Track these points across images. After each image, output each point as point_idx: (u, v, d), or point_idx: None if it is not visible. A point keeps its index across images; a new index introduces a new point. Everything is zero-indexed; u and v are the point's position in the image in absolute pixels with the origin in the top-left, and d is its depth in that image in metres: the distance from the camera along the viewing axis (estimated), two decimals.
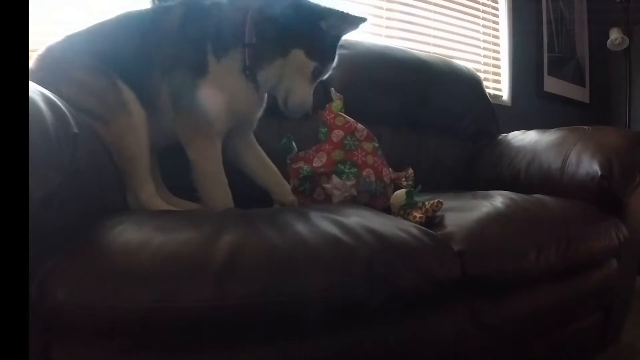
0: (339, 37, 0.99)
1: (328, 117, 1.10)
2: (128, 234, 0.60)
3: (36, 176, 0.51)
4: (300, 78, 0.96)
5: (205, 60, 0.92)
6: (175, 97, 0.92)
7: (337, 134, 1.08)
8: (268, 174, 1.10)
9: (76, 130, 0.64)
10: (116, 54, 0.91)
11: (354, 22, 0.96)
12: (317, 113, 1.11)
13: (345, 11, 0.95)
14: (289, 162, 1.10)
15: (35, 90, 0.61)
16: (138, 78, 0.91)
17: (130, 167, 0.88)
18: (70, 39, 0.94)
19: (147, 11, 1.02)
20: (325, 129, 1.09)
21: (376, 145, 1.12)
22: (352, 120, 1.12)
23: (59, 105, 0.64)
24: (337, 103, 1.13)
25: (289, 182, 1.09)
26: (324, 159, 1.05)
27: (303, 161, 1.08)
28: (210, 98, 0.92)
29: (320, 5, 0.95)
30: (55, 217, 0.57)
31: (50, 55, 0.91)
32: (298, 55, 0.94)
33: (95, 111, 0.85)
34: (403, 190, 0.96)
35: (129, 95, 0.89)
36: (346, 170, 1.03)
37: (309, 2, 0.96)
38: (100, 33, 0.96)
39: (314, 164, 1.06)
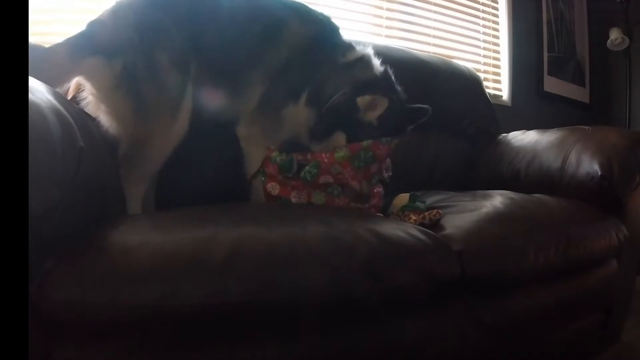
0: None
1: (324, 160, 0.95)
2: (127, 233, 0.60)
3: (38, 191, 0.50)
4: None
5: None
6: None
7: (324, 179, 0.95)
8: None
9: (82, 144, 0.62)
10: (209, 45, 0.95)
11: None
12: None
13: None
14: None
15: (44, 99, 0.58)
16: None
17: (137, 162, 0.89)
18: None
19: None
20: (315, 170, 0.95)
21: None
22: (351, 174, 0.95)
23: (66, 117, 0.62)
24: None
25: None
26: (304, 200, 0.95)
27: (279, 188, 0.96)
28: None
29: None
30: (55, 229, 0.57)
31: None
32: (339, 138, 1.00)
33: (148, 100, 0.88)
34: (407, 194, 0.96)
35: (187, 105, 0.92)
36: None
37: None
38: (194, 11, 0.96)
39: (292, 197, 0.95)
